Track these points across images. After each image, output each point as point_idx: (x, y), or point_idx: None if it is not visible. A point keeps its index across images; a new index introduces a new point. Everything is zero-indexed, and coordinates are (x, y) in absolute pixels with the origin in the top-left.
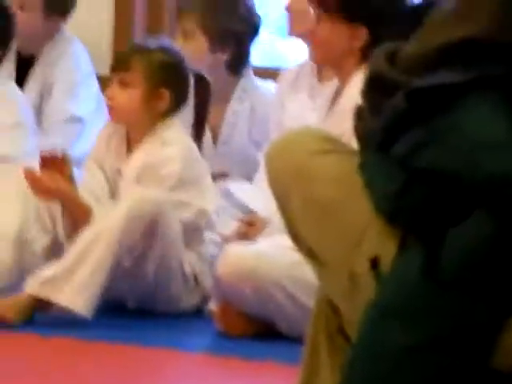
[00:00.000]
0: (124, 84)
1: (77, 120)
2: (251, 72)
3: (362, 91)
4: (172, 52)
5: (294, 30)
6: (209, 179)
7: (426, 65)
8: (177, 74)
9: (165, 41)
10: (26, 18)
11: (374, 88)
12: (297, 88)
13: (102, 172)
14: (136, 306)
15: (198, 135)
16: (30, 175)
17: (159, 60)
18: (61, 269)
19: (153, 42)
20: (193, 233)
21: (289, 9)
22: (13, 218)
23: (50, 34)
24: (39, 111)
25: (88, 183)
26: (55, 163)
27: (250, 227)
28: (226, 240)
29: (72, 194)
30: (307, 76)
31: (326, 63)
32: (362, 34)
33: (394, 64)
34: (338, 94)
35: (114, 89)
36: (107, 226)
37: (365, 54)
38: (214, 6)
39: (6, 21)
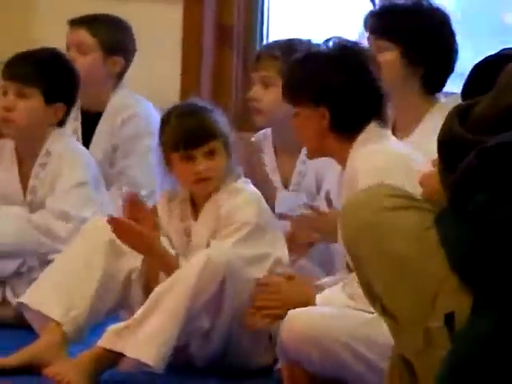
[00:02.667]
0: (212, 153)
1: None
2: None
3: (437, 151)
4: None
5: None
6: (278, 225)
7: (498, 124)
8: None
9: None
10: (87, 61)
11: (449, 148)
12: None
13: (167, 239)
14: (205, 365)
15: None
16: (114, 221)
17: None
18: (131, 321)
19: (196, 103)
20: None
21: None
22: (94, 273)
23: (110, 81)
24: (104, 170)
25: None
26: (139, 211)
27: (320, 217)
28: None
29: (158, 242)
30: None
31: (315, 154)
32: (325, 113)
33: (466, 123)
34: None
35: (205, 162)
36: (180, 279)
37: (338, 130)
38: (293, 54)
39: (70, 74)
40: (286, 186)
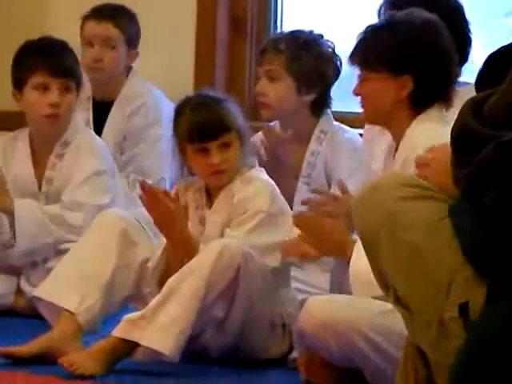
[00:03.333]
0: (226, 145)
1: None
2: (330, 114)
3: (450, 143)
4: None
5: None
6: (290, 213)
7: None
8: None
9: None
10: (115, 55)
11: (462, 141)
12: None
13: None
14: (219, 355)
15: None
16: (148, 190)
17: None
18: (146, 311)
19: (209, 93)
20: (280, 275)
21: None
22: (107, 264)
23: (125, 72)
24: (115, 158)
25: None
26: (161, 198)
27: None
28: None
29: (184, 222)
30: None
31: (375, 122)
32: (408, 82)
33: (480, 117)
34: (392, 148)
35: (219, 153)
36: (195, 269)
37: (413, 102)
38: (300, 48)
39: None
40: (296, 178)
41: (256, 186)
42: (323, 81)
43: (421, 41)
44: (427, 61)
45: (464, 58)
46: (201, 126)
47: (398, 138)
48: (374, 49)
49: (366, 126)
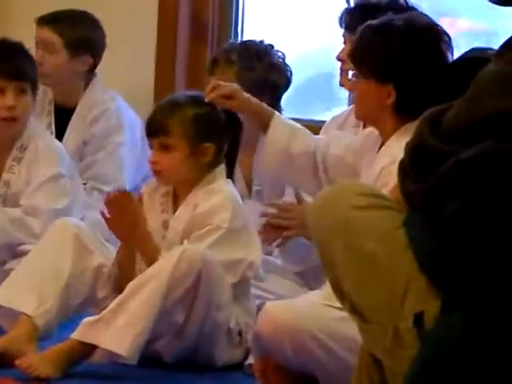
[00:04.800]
0: (166, 147)
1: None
2: None
3: (407, 156)
4: (204, 103)
5: (343, 81)
6: (253, 227)
7: (476, 134)
8: (215, 125)
9: (193, 92)
10: (53, 61)
11: (419, 156)
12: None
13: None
14: (174, 360)
15: (229, 177)
16: (115, 199)
17: (195, 115)
18: (105, 313)
19: (182, 96)
20: (240, 287)
21: (340, 58)
22: (63, 269)
23: (81, 77)
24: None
25: None
26: (122, 203)
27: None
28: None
29: (145, 224)
30: (353, 122)
31: (365, 119)
32: (391, 92)
33: (437, 131)
34: (377, 142)
35: (157, 154)
36: (155, 273)
37: (398, 111)
38: (252, 58)
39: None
40: (249, 190)
41: (219, 199)
42: (274, 91)
43: (407, 52)
44: (412, 73)
45: None
46: (149, 120)
47: (384, 138)
48: (365, 54)
49: (327, 125)
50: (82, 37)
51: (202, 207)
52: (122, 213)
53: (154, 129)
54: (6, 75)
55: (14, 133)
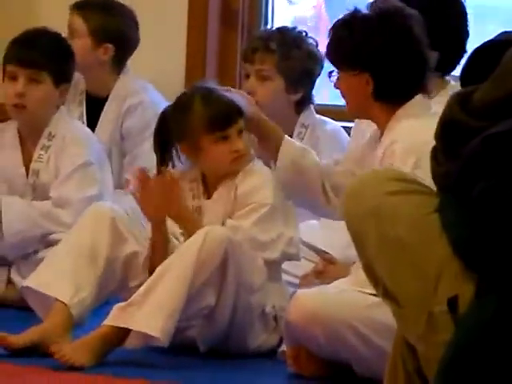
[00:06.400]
0: (240, 131)
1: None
2: (312, 108)
3: (437, 136)
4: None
5: None
6: (290, 203)
7: (502, 110)
8: None
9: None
10: (75, 46)
11: (449, 133)
12: None
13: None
14: (207, 347)
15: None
16: (142, 176)
17: None
18: (135, 297)
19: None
20: (275, 269)
21: None
22: (99, 256)
23: (107, 67)
24: (111, 155)
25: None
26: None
27: (329, 266)
28: (303, 279)
29: (185, 201)
30: None
31: (357, 114)
32: (368, 79)
33: (467, 109)
34: (377, 138)
35: (239, 141)
36: (181, 254)
37: (380, 97)
38: (290, 47)
39: (71, 54)
40: None
41: (259, 177)
42: (310, 79)
43: (375, 38)
44: (382, 58)
45: (460, 50)
46: (220, 113)
47: (381, 128)
48: (334, 48)
49: (362, 141)
50: (107, 26)
51: (243, 187)
52: (165, 193)
53: (232, 115)
54: (19, 62)
55: (29, 120)
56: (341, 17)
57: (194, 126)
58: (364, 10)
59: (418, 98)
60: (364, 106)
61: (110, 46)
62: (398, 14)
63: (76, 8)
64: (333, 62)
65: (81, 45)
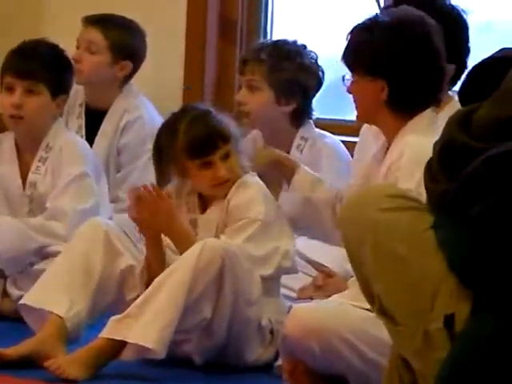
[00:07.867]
0: (226, 156)
1: None
2: (311, 122)
3: (436, 155)
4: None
5: None
6: (284, 218)
7: (502, 132)
8: None
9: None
10: (94, 61)
11: (450, 154)
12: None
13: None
14: (204, 361)
15: None
16: (134, 193)
17: None
18: (132, 309)
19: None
20: (272, 282)
21: None
22: (93, 270)
23: (116, 82)
24: (107, 169)
25: None
26: (154, 198)
27: (328, 280)
28: (301, 292)
29: (179, 214)
30: None
31: (365, 119)
32: (384, 86)
33: (467, 130)
34: (383, 152)
35: (222, 167)
36: (178, 267)
37: (394, 105)
38: (282, 59)
39: (69, 66)
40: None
41: (252, 192)
42: (304, 92)
43: (395, 45)
44: (401, 66)
45: (460, 66)
46: (201, 139)
47: (388, 138)
48: (353, 52)
49: (362, 131)
50: (127, 43)
51: (235, 201)
52: (155, 209)
53: (214, 141)
54: (16, 73)
55: (27, 132)
56: (361, 21)
57: (178, 151)
58: (385, 17)
59: (428, 112)
60: (374, 112)
61: (129, 63)
62: (419, 22)
63: (94, 22)
64: (349, 66)
65: (98, 60)
